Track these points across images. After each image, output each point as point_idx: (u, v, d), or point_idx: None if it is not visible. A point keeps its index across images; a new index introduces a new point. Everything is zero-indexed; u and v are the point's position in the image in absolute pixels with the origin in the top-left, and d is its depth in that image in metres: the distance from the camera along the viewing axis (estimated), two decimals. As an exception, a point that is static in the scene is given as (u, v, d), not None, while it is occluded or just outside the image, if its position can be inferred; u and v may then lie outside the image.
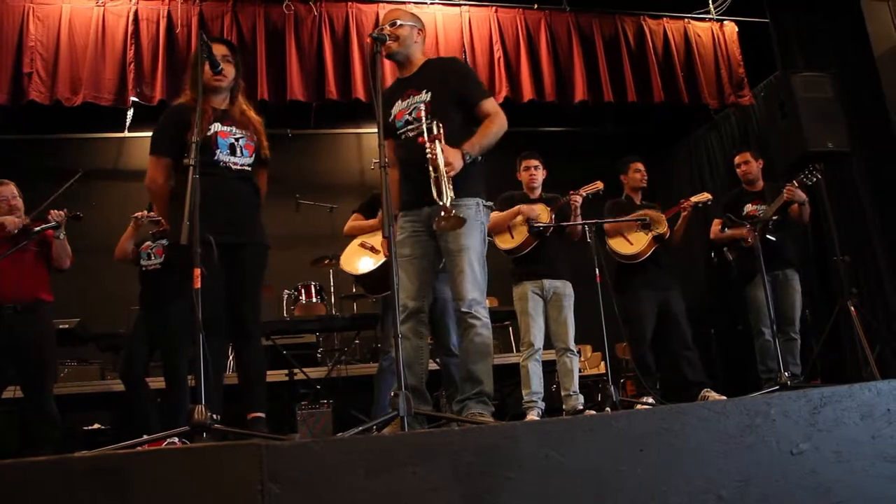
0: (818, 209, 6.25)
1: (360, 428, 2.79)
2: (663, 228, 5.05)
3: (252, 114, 3.42)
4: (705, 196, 5.26)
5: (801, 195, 4.99)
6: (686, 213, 5.11)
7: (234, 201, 3.24)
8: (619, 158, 5.44)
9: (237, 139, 3.29)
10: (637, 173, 5.31)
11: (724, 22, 7.11)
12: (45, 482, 1.62)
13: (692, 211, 5.14)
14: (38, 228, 4.24)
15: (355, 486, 1.70)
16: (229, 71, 3.36)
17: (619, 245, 5.14)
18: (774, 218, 4.93)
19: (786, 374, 4.42)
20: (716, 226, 5.41)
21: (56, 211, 4.27)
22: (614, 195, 5.33)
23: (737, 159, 5.48)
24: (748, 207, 5.26)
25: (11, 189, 4.42)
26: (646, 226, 5.04)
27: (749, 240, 5.00)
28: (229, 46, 3.44)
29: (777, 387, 4.31)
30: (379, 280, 4.03)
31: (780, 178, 5.49)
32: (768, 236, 4.87)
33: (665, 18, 6.99)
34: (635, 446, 1.98)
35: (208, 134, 3.21)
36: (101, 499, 1.62)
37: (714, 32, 7.06)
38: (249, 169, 3.33)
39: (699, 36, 7.03)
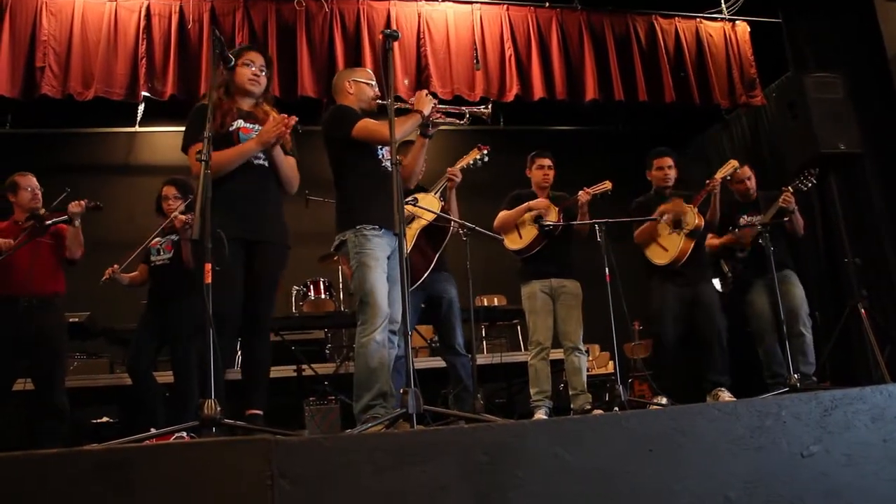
0: (828, 211, 6.23)
1: (369, 425, 2.79)
2: (694, 221, 4.81)
3: (275, 114, 3.44)
4: (732, 164, 5.04)
5: (791, 204, 4.92)
6: (716, 192, 4.87)
7: (256, 198, 3.26)
8: (629, 158, 5.34)
9: None
10: (659, 171, 5.11)
11: (737, 22, 7.07)
12: (56, 475, 1.63)
13: (721, 186, 4.91)
14: (50, 221, 4.27)
15: (365, 483, 1.70)
16: (263, 80, 3.45)
17: (654, 254, 4.95)
18: (766, 223, 4.84)
19: (795, 376, 4.40)
20: (710, 239, 5.29)
21: (76, 201, 4.30)
22: (628, 195, 5.20)
23: (739, 174, 5.26)
24: (743, 219, 5.19)
25: (34, 180, 4.50)
26: (677, 224, 4.84)
27: (746, 243, 4.98)
28: (266, 58, 3.49)
29: (786, 389, 4.30)
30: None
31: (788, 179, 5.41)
32: (763, 243, 4.76)
33: (677, 18, 6.96)
34: (645, 446, 1.97)
35: (230, 129, 3.25)
36: (111, 493, 1.63)
37: (726, 32, 7.03)
38: (267, 166, 3.34)
39: (711, 36, 7.00)
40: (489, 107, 3.59)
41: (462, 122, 3.55)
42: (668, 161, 5.11)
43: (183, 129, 3.33)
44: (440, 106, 3.50)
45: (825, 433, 2.11)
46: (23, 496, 1.61)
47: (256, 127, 3.33)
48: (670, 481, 1.97)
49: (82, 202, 4.32)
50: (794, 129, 5.88)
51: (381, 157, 3.56)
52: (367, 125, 3.43)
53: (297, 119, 3.27)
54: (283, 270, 3.40)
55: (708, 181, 4.92)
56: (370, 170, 3.50)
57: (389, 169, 3.52)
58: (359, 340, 3.27)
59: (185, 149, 3.28)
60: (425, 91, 3.47)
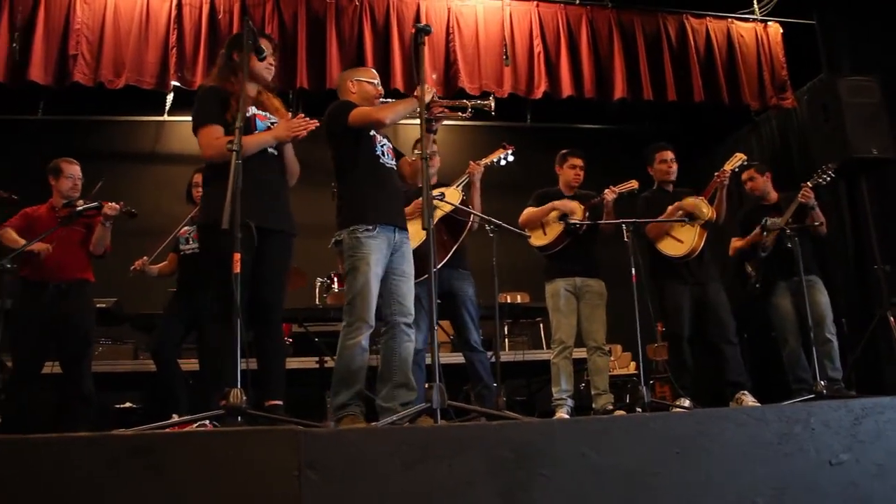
0: (858, 216, 6.15)
1: (393, 418, 2.79)
2: (708, 213, 4.75)
3: (277, 102, 3.46)
4: (739, 157, 4.97)
5: (811, 199, 4.87)
6: (725, 185, 4.81)
7: (268, 187, 3.24)
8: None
9: (272, 124, 3.31)
10: (662, 164, 5.04)
11: (769, 23, 7.00)
12: (88, 457, 1.65)
13: (730, 178, 4.84)
14: (81, 207, 4.31)
15: (391, 477, 1.70)
16: (273, 68, 3.44)
17: (669, 247, 4.86)
18: (791, 226, 4.79)
19: (822, 382, 4.34)
20: (734, 242, 5.26)
21: (112, 204, 4.35)
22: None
23: (742, 176, 5.23)
24: (767, 220, 5.03)
25: (78, 169, 4.56)
26: (689, 217, 4.77)
27: (767, 243, 4.91)
28: (273, 45, 3.48)
29: (812, 395, 4.25)
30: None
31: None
32: (788, 244, 4.71)
33: (708, 18, 6.90)
34: (671, 448, 1.96)
35: (247, 116, 3.21)
36: (141, 477, 1.65)
37: (758, 33, 6.96)
38: (277, 154, 3.34)
39: (742, 36, 6.93)
40: (491, 99, 3.58)
41: (465, 114, 3.54)
42: (670, 154, 5.06)
43: None
44: (442, 100, 3.51)
45: (855, 442, 2.08)
46: (56, 477, 1.63)
47: (268, 115, 3.33)
48: (697, 484, 1.96)
49: (118, 206, 4.36)
50: (826, 132, 5.81)
51: (379, 153, 3.55)
52: (360, 109, 3.46)
53: (317, 124, 3.28)
54: (291, 259, 3.39)
55: (717, 173, 4.86)
56: (368, 167, 3.50)
57: (388, 165, 3.55)
58: (343, 342, 3.30)
59: (195, 130, 3.23)
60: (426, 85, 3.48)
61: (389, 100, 3.60)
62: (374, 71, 3.82)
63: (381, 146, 3.57)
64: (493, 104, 3.54)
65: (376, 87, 3.68)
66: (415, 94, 3.43)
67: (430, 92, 3.37)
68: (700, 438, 1.99)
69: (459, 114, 3.54)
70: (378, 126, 3.48)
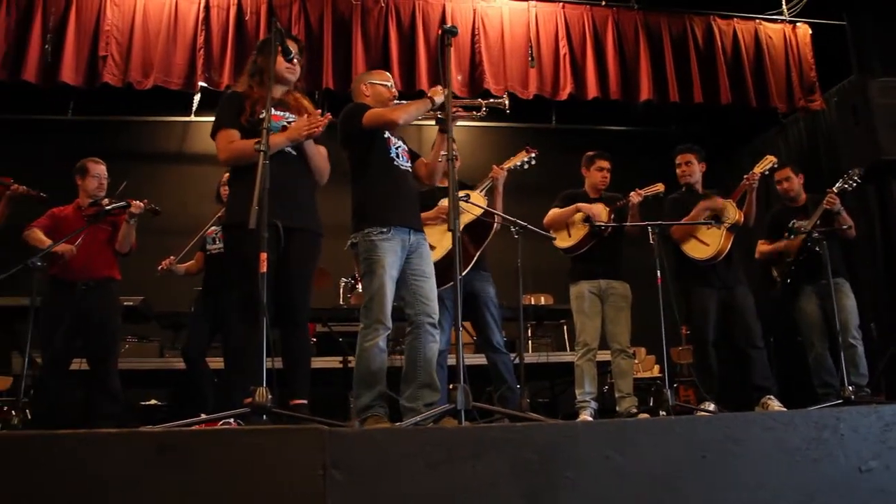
0: (888, 219, 6.06)
1: (417, 419, 2.80)
2: (735, 216, 4.69)
3: (306, 102, 3.45)
4: (770, 160, 4.91)
5: (836, 205, 4.81)
6: (754, 188, 4.75)
7: (287, 186, 3.21)
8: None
9: (289, 122, 3.30)
10: (678, 167, 5.01)
11: (797, 24, 6.93)
12: (118, 453, 1.66)
13: (760, 181, 4.79)
14: (110, 206, 4.37)
15: (416, 478, 1.70)
16: (298, 68, 3.44)
17: (694, 249, 4.80)
18: (819, 230, 4.72)
19: (849, 388, 4.28)
20: (761, 245, 5.19)
21: (137, 202, 4.41)
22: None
23: (777, 175, 5.17)
24: (794, 223, 5.01)
25: (104, 169, 4.62)
26: (716, 219, 4.71)
27: (792, 248, 4.85)
28: (300, 45, 3.49)
29: (840, 401, 4.19)
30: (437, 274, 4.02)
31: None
32: (815, 247, 4.64)
33: (735, 19, 6.85)
34: (698, 453, 1.95)
35: (261, 118, 3.21)
36: (167, 473, 1.66)
37: (786, 34, 6.89)
38: (296, 154, 3.32)
39: (770, 37, 6.87)
40: (505, 97, 3.57)
41: (479, 114, 3.53)
42: (688, 157, 5.00)
43: None
44: (456, 99, 3.50)
45: (885, 448, 2.05)
46: (84, 473, 1.65)
47: (287, 115, 3.33)
48: (723, 489, 1.94)
49: (142, 203, 4.42)
50: (855, 134, 5.74)
51: (393, 156, 3.55)
52: (373, 111, 3.46)
53: (330, 118, 3.25)
54: (318, 259, 3.38)
55: (746, 176, 4.80)
56: (382, 170, 3.50)
57: (403, 167, 3.54)
58: (361, 344, 3.32)
59: (213, 134, 3.28)
60: (439, 86, 3.47)
61: (403, 101, 3.60)
62: (387, 73, 3.82)
63: (396, 148, 3.58)
64: (507, 102, 3.53)
65: (390, 90, 3.69)
66: (428, 94, 3.44)
67: (442, 91, 3.38)
68: (727, 443, 1.97)
69: (474, 113, 3.54)
70: (391, 127, 3.48)
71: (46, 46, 5.58)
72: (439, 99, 3.39)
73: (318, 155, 3.39)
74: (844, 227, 4.86)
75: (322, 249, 3.39)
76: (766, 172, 4.91)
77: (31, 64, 5.56)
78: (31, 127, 7.29)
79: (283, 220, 3.08)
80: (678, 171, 5.02)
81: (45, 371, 4.38)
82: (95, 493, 1.64)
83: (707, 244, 4.76)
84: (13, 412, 4.29)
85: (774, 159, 4.94)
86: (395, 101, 3.64)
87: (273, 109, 3.26)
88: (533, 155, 4.51)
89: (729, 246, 4.72)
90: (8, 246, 4.32)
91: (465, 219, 4.29)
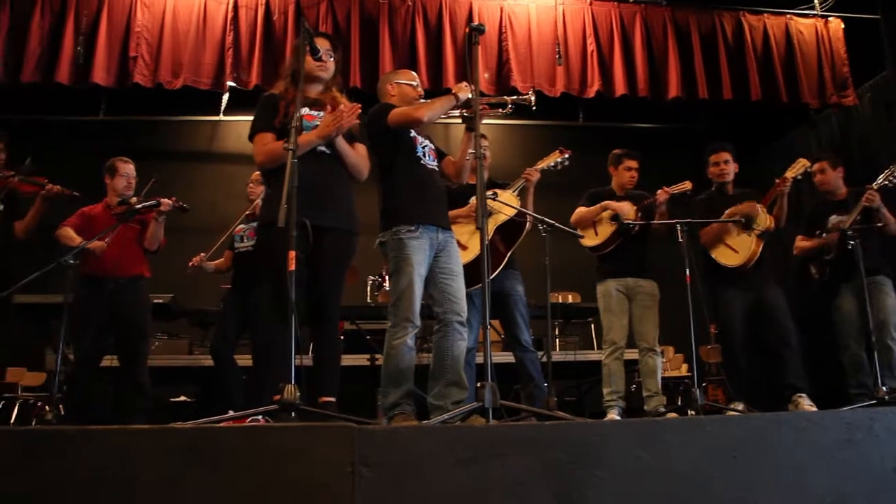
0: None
1: (444, 417, 2.80)
2: (766, 222, 4.61)
3: (342, 98, 3.44)
4: (802, 164, 4.80)
5: (876, 202, 4.69)
6: (786, 193, 4.66)
7: (320, 185, 3.23)
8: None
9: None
10: (715, 167, 4.89)
11: (830, 18, 6.83)
12: (149, 448, 1.69)
13: (792, 185, 4.70)
14: (140, 206, 4.43)
15: (444, 475, 1.71)
16: (331, 65, 3.42)
17: (723, 256, 4.72)
18: (855, 227, 4.62)
19: (883, 388, 4.20)
20: (799, 241, 5.09)
21: (166, 200, 4.46)
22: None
23: (814, 167, 5.04)
24: (832, 219, 4.90)
25: (133, 168, 4.68)
26: (747, 226, 4.63)
27: (830, 245, 4.76)
28: (332, 42, 3.48)
29: (874, 402, 4.12)
30: (467, 275, 4.02)
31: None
32: (849, 244, 4.50)
33: (766, 14, 6.78)
34: (727, 452, 1.93)
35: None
36: (198, 469, 1.68)
37: (818, 29, 6.80)
38: (329, 153, 3.29)
39: (801, 33, 6.78)
40: (531, 94, 3.55)
41: (504, 111, 3.52)
42: (725, 156, 4.89)
43: None
44: (481, 97, 3.48)
45: (921, 449, 2.02)
46: (115, 468, 1.67)
47: (321, 114, 3.30)
48: (753, 490, 1.92)
49: (170, 201, 4.47)
50: (890, 130, 5.64)
51: (420, 154, 3.54)
52: (399, 110, 3.46)
53: (358, 108, 3.21)
54: (352, 257, 3.37)
55: (777, 180, 4.71)
56: (409, 169, 3.49)
57: (430, 166, 3.54)
58: (389, 342, 3.32)
59: (251, 137, 3.30)
60: (464, 83, 3.46)
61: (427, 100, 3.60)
62: (413, 73, 3.82)
63: (423, 147, 3.57)
64: (533, 99, 3.52)
65: (416, 89, 3.69)
66: (452, 91, 3.44)
67: (468, 88, 3.37)
68: (758, 442, 1.96)
69: (500, 110, 3.53)
70: (416, 124, 3.47)
71: (78, 48, 5.68)
72: (463, 95, 3.39)
73: (353, 152, 3.37)
74: (880, 224, 4.76)
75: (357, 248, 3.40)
76: (799, 177, 4.81)
77: (63, 66, 5.67)
78: (65, 128, 7.41)
79: (313, 218, 3.07)
80: (713, 170, 4.90)
81: (76, 367, 4.44)
82: (125, 487, 1.66)
83: (737, 251, 4.68)
84: (47, 407, 4.36)
85: (808, 163, 4.84)
86: (421, 100, 3.65)
87: (308, 109, 3.27)
88: (567, 156, 4.51)
89: (759, 252, 4.64)
90: (41, 245, 4.39)
91: (500, 219, 4.29)
